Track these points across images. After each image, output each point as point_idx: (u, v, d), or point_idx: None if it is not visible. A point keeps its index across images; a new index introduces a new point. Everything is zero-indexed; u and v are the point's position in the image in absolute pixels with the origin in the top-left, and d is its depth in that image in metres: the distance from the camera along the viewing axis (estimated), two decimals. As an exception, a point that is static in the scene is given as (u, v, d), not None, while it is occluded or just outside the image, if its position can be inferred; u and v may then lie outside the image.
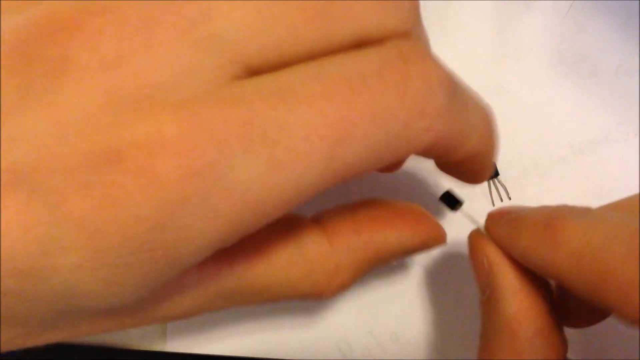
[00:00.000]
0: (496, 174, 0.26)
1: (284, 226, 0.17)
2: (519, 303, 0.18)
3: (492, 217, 0.19)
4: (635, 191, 0.25)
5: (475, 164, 0.18)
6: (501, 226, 0.19)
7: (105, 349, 0.25)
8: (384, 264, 0.19)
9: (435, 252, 0.25)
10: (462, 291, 0.25)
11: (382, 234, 0.19)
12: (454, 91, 0.15)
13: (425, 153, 0.16)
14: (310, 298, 0.18)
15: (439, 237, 0.20)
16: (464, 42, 0.26)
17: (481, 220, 0.20)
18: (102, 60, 0.12)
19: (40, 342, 0.16)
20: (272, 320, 0.25)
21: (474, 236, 0.20)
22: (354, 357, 0.25)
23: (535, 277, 0.18)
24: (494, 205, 0.26)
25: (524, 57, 0.26)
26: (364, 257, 0.18)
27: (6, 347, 0.15)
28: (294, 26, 0.13)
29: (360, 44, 0.14)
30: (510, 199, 0.26)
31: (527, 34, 0.26)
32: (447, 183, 0.23)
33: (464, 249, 0.26)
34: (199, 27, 0.13)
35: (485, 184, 0.26)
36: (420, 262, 0.25)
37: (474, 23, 0.26)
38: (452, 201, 0.20)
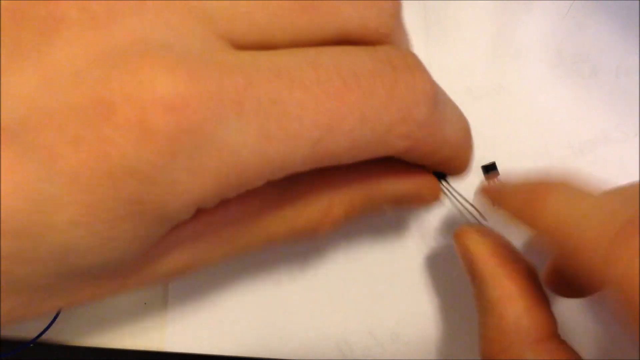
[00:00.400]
0: (496, 173, 0.26)
1: None
2: (502, 287, 0.19)
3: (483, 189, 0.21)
4: (635, 191, 0.25)
5: (448, 168, 0.20)
6: (489, 192, 0.21)
7: (105, 349, 0.25)
8: (377, 209, 0.20)
9: (435, 253, 0.25)
10: (462, 291, 0.25)
11: (376, 179, 0.19)
12: (436, 103, 0.16)
13: (400, 156, 0.17)
14: (306, 234, 0.18)
15: (434, 191, 0.21)
16: (464, 42, 0.26)
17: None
18: (92, 18, 0.13)
19: (42, 312, 0.15)
20: (272, 320, 0.25)
21: (458, 231, 0.21)
22: (354, 357, 0.25)
23: (517, 260, 0.20)
24: (494, 205, 0.26)
25: (524, 57, 0.26)
26: (356, 195, 0.19)
27: (7, 319, 0.14)
28: (278, 13, 0.14)
29: (341, 41, 0.15)
30: (510, 199, 0.26)
31: (527, 34, 0.26)
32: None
33: (464, 249, 0.26)
34: None
35: (485, 184, 0.26)
36: (421, 261, 0.25)
37: (474, 23, 0.26)
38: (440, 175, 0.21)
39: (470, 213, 0.24)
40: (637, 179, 0.25)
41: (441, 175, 0.22)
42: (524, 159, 0.26)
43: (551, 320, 0.19)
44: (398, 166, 0.19)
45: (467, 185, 0.26)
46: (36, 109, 0.12)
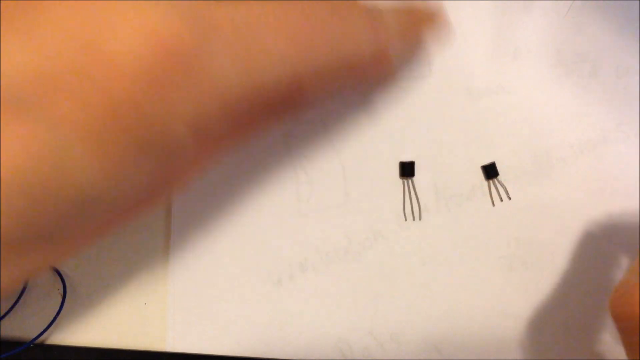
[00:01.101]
0: (496, 174, 0.26)
1: None
2: None
3: None
4: (635, 191, 0.25)
5: None
6: None
7: (105, 350, 0.25)
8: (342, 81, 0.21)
9: (435, 253, 0.25)
10: (462, 291, 0.25)
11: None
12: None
13: None
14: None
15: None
16: (464, 42, 0.26)
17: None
18: None
19: (63, 258, 0.16)
20: (272, 320, 0.25)
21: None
22: (354, 357, 0.25)
23: None
24: (493, 205, 0.26)
25: (524, 57, 0.26)
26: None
27: (25, 276, 0.15)
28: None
29: None
30: (510, 198, 0.26)
31: (527, 34, 0.26)
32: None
33: (463, 250, 0.26)
34: None
35: (486, 184, 0.26)
36: (421, 261, 0.25)
37: (474, 23, 0.26)
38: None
39: (418, 209, 0.26)
40: (637, 179, 0.25)
41: (408, 174, 0.25)
42: (524, 159, 0.26)
43: None
44: None
45: (465, 185, 0.26)
46: (30, 74, 0.12)
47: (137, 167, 0.14)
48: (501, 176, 0.26)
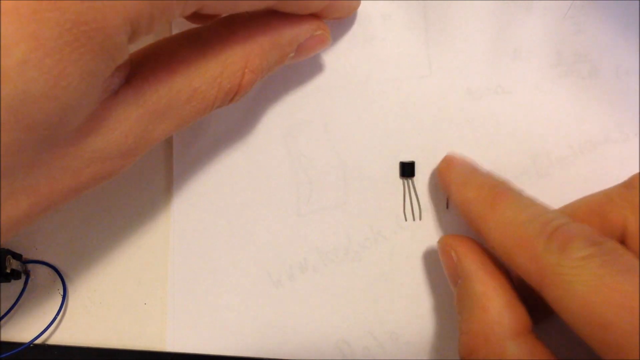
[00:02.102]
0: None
1: (196, 38, 0.20)
2: (486, 282, 0.21)
3: (448, 162, 0.24)
4: (635, 191, 0.25)
5: (335, 12, 0.24)
6: (454, 172, 0.24)
7: (105, 350, 0.25)
8: (285, 57, 0.23)
9: (435, 254, 0.25)
10: (462, 291, 0.25)
11: (276, 29, 0.22)
12: None
13: (285, 6, 0.22)
14: (232, 88, 0.21)
15: (326, 32, 0.24)
16: (464, 42, 0.26)
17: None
18: None
19: (20, 210, 0.16)
20: (272, 320, 0.25)
21: (444, 238, 0.23)
22: (354, 357, 0.25)
23: (496, 263, 0.21)
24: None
25: (524, 57, 0.26)
26: (266, 44, 0.21)
27: None
28: None
29: None
30: (510, 199, 0.26)
31: (527, 34, 0.26)
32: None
33: (464, 249, 0.26)
34: None
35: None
36: (421, 262, 0.25)
37: (474, 23, 0.26)
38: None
39: (418, 209, 0.26)
40: (637, 179, 0.25)
41: (408, 174, 0.25)
42: (524, 159, 0.26)
43: (528, 317, 0.20)
44: (293, 17, 0.22)
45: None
46: None
47: (75, 62, 0.13)
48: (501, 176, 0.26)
